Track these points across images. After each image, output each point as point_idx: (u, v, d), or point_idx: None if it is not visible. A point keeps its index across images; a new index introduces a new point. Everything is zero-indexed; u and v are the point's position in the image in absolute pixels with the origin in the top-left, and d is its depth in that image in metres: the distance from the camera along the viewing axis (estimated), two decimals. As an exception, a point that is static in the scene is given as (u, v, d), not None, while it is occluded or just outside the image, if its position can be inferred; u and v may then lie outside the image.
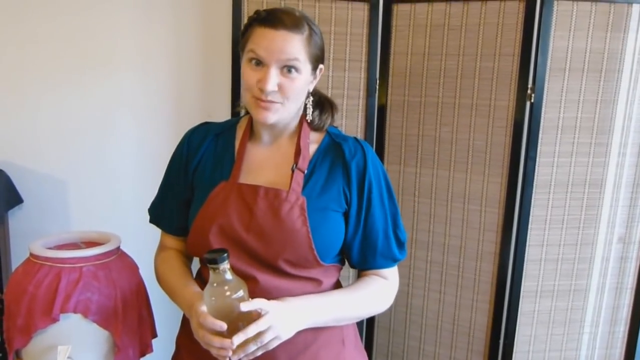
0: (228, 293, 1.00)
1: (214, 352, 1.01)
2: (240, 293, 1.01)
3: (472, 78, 1.81)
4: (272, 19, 1.09)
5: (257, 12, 1.13)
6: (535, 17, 1.70)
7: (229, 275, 1.01)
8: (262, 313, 1.01)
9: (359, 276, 1.26)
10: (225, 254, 1.00)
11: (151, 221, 1.33)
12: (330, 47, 1.86)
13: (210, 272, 1.01)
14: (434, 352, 2.00)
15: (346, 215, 1.18)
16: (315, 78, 1.19)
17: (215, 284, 1.01)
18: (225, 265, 1.00)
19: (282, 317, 1.04)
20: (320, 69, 1.19)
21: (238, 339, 0.98)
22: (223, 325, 0.98)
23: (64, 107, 2.01)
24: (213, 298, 1.01)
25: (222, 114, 2.04)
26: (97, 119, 2.04)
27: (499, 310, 1.87)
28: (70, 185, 2.06)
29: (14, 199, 1.99)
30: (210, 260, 0.99)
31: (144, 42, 2.02)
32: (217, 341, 0.99)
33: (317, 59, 1.16)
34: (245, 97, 1.14)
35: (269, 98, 1.10)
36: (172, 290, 1.21)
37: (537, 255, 1.85)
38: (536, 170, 1.79)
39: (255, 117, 1.14)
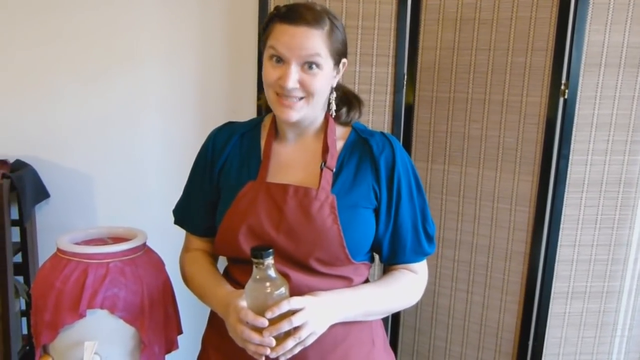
0: (269, 290, 0.99)
1: (251, 349, 1.00)
2: (282, 291, 1.00)
3: (503, 73, 1.76)
4: (291, 14, 1.08)
5: (277, 8, 1.11)
6: (570, 11, 1.65)
7: (272, 272, 1.00)
8: (298, 309, 1.00)
9: (388, 270, 1.24)
10: (271, 250, 0.99)
11: (176, 222, 1.32)
12: (357, 42, 1.83)
13: (254, 267, 1.00)
14: (460, 352, 1.97)
15: (376, 211, 1.16)
16: (338, 73, 1.17)
17: (257, 280, 1.00)
18: (270, 261, 0.99)
19: (317, 313, 1.03)
20: (344, 64, 1.17)
21: (270, 334, 0.97)
22: (264, 322, 0.97)
23: (91, 102, 2.02)
24: (254, 294, 1.00)
25: (248, 111, 2.03)
26: (122, 115, 2.05)
27: (529, 311, 1.83)
28: (97, 180, 2.08)
29: (41, 193, 2.01)
30: (255, 255, 0.99)
31: (170, 38, 2.02)
32: (257, 337, 0.98)
33: (340, 54, 1.14)
34: (268, 95, 1.13)
35: (292, 94, 1.08)
36: (202, 291, 1.20)
37: (569, 256, 1.80)
38: (569, 169, 1.74)
39: (278, 115, 1.13)
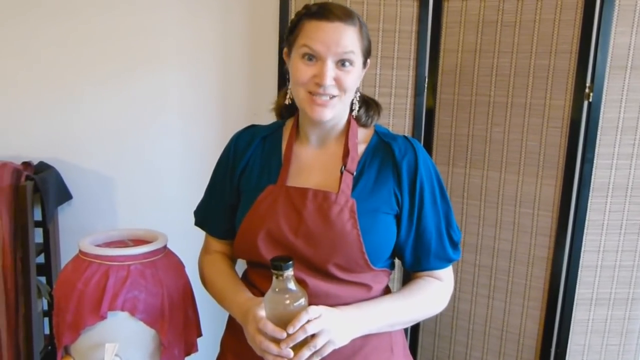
0: (288, 302, 0.98)
1: (269, 359, 0.99)
2: (302, 302, 0.99)
3: (526, 76, 1.74)
4: (324, 12, 1.07)
5: (306, 7, 1.11)
6: (595, 12, 1.62)
7: (291, 284, 0.99)
8: (314, 317, 0.99)
9: (412, 278, 1.22)
10: (290, 262, 0.99)
11: (196, 224, 1.33)
12: (378, 45, 1.82)
13: (273, 278, 0.99)
14: (480, 358, 1.94)
15: (398, 217, 1.14)
16: (362, 73, 1.16)
17: (277, 292, 0.99)
18: (289, 273, 0.99)
19: (335, 323, 1.02)
20: (367, 63, 1.17)
21: (287, 345, 0.97)
22: (283, 334, 0.97)
23: (112, 105, 2.04)
24: (273, 305, 1.00)
25: (268, 114, 2.02)
26: (144, 117, 2.06)
27: (551, 317, 1.80)
28: (118, 182, 2.09)
29: (64, 195, 2.03)
30: (275, 267, 0.98)
31: (190, 40, 2.03)
32: (275, 349, 0.98)
33: (368, 52, 1.15)
34: (299, 94, 1.11)
35: (327, 92, 1.08)
36: (221, 295, 1.20)
37: (593, 262, 1.77)
38: (593, 173, 1.71)
39: (310, 115, 1.10)
